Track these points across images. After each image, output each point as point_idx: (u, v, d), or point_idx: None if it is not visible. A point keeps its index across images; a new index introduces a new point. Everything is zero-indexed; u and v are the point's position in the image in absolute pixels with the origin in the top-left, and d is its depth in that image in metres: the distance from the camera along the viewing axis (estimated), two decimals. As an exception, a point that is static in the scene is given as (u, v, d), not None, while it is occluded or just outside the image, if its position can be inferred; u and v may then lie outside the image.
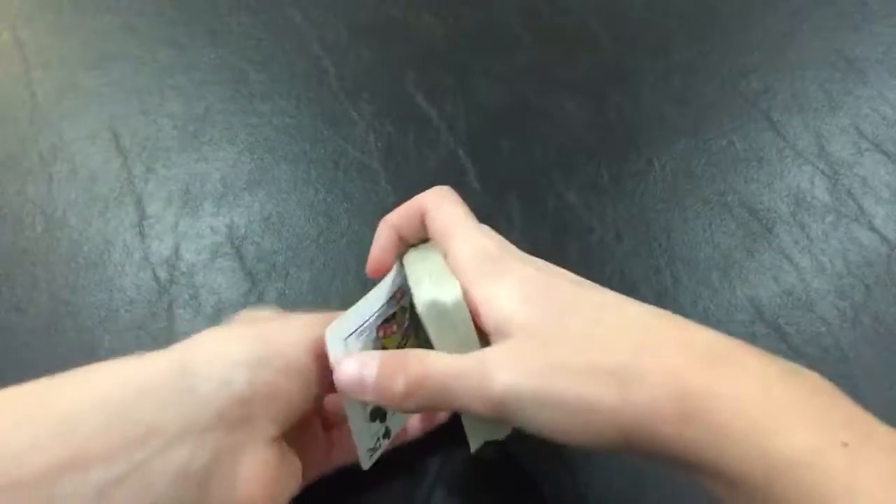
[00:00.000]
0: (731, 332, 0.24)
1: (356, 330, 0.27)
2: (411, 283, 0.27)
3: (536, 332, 0.24)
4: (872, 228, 0.44)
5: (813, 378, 0.23)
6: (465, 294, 0.26)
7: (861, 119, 0.49)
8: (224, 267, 0.41)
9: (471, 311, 0.26)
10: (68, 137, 0.48)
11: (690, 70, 0.53)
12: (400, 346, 0.30)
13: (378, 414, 0.30)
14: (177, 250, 0.42)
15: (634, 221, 0.44)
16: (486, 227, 0.29)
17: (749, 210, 0.45)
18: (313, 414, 0.31)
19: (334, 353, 0.26)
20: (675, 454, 0.22)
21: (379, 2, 0.57)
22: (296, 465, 0.26)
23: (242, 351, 0.25)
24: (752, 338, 0.39)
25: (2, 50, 0.53)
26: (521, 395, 0.23)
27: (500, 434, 0.30)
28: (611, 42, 0.54)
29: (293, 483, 0.26)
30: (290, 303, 0.40)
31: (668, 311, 0.25)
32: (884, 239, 0.43)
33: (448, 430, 0.33)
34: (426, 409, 0.26)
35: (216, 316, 0.39)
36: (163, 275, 0.41)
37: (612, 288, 0.26)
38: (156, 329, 0.39)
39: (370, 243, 0.31)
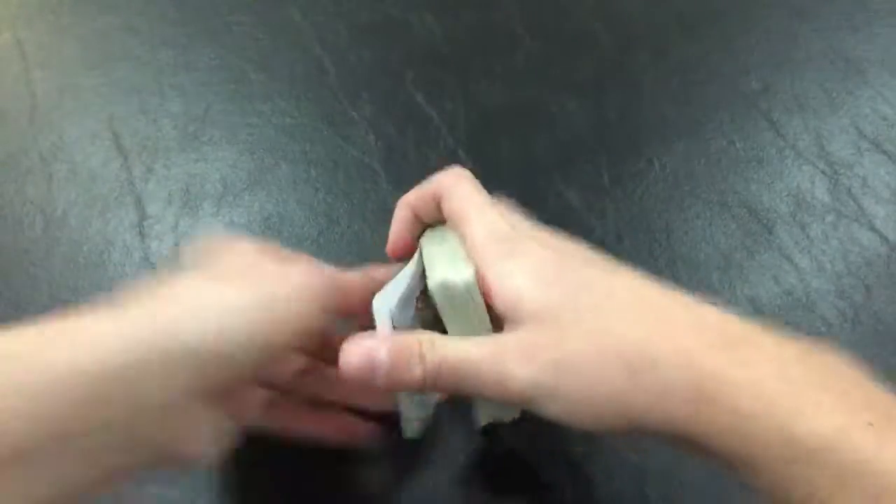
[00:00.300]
0: (731, 332, 0.24)
1: (399, 301, 0.27)
2: (426, 263, 0.28)
3: (549, 318, 0.24)
4: (872, 228, 0.44)
5: (830, 357, 0.23)
6: (478, 275, 0.26)
7: (861, 119, 0.49)
8: (224, 267, 0.41)
9: (483, 293, 0.26)
10: (68, 137, 0.48)
11: (690, 70, 0.53)
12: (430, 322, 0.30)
13: None
14: (177, 250, 0.42)
15: (634, 221, 0.44)
16: (501, 206, 0.28)
17: (749, 210, 0.45)
18: None
19: (382, 325, 0.26)
20: (691, 439, 0.22)
21: (379, 2, 0.57)
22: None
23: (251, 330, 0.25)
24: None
25: (2, 50, 0.53)
26: (537, 389, 0.23)
27: (509, 415, 0.30)
28: (611, 42, 0.54)
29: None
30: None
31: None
32: (884, 239, 0.43)
33: (448, 430, 0.33)
34: (439, 393, 0.26)
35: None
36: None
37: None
38: (156, 329, 0.39)
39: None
